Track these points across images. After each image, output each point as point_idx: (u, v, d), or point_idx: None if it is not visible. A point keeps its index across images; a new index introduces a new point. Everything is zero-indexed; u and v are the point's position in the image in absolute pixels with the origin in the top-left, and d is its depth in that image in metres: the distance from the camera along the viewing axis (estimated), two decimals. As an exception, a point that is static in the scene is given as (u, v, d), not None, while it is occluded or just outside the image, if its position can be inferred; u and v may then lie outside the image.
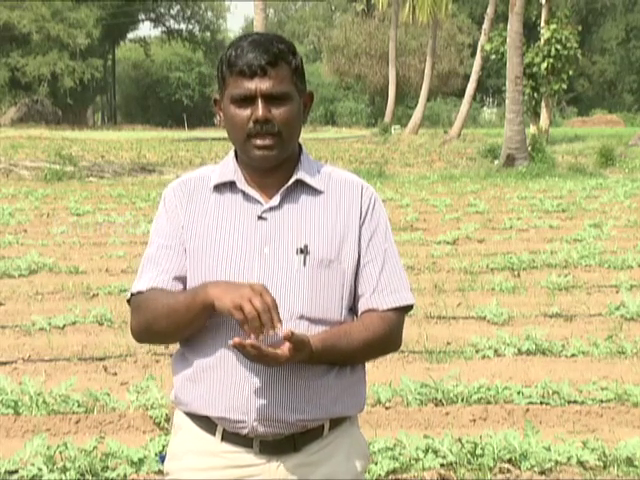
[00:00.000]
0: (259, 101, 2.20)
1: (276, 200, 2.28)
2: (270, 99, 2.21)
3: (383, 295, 2.31)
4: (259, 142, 2.22)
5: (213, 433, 2.29)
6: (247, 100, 2.21)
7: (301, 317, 2.23)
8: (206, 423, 2.30)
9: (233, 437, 2.27)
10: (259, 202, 2.28)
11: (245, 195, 2.29)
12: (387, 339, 2.31)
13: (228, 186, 2.31)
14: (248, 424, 2.24)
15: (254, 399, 2.22)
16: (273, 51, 2.20)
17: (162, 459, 2.42)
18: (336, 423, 2.32)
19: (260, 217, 2.27)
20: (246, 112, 2.22)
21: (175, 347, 2.39)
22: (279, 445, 2.26)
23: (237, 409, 2.23)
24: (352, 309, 2.34)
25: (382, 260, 2.32)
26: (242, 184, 2.29)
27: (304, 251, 2.24)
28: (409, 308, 2.36)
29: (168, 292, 2.24)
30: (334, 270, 2.26)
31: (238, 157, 2.34)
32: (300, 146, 2.35)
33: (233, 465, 2.28)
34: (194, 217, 2.30)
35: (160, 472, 4.36)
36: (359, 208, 2.32)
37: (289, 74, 2.23)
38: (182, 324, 2.21)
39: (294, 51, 2.26)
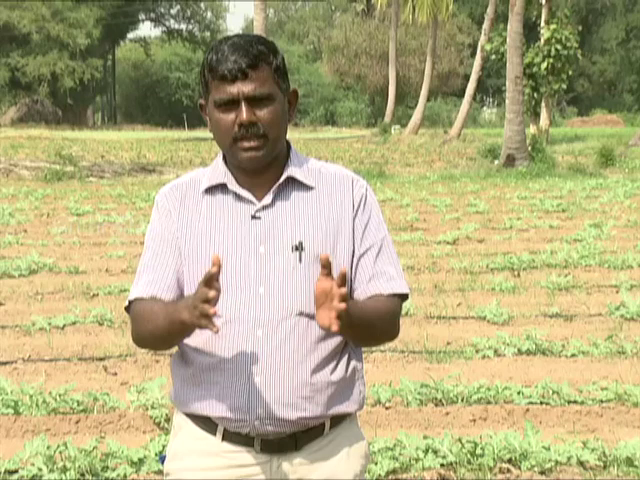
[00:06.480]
0: (242, 104, 2.21)
1: (269, 198, 2.28)
2: (253, 101, 2.21)
3: (380, 282, 2.31)
4: (245, 144, 2.23)
5: (214, 433, 2.30)
6: (231, 104, 2.22)
7: (300, 314, 2.23)
8: (206, 423, 2.30)
9: (234, 436, 2.28)
10: (252, 202, 2.28)
11: (237, 196, 2.29)
12: (391, 318, 2.31)
13: (219, 188, 2.32)
14: (249, 423, 2.24)
15: (255, 398, 2.22)
16: (253, 53, 2.20)
17: (162, 460, 2.42)
18: (336, 421, 2.33)
19: (254, 217, 2.27)
20: (230, 116, 2.22)
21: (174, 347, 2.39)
22: (280, 444, 2.27)
23: (238, 408, 2.23)
24: None
25: (377, 250, 2.33)
26: (233, 185, 2.30)
27: (299, 248, 2.24)
28: (405, 298, 2.36)
29: (153, 312, 2.23)
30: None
31: (227, 160, 2.34)
32: (288, 143, 2.36)
33: (234, 465, 2.28)
34: (187, 221, 2.31)
35: (160, 472, 4.36)
36: (351, 201, 2.32)
37: (270, 75, 2.23)
38: (170, 342, 2.27)
39: (275, 51, 2.26)
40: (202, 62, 2.27)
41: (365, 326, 2.22)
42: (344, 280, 2.03)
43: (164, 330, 2.19)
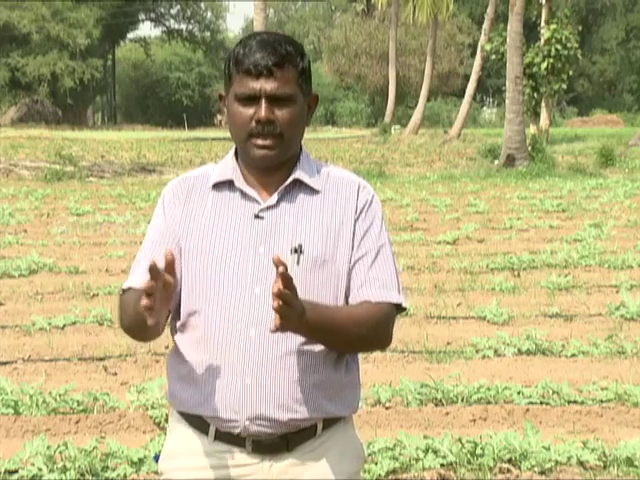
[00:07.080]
0: (263, 101, 2.20)
1: (274, 199, 2.27)
2: (274, 100, 2.21)
3: (371, 289, 2.27)
4: (260, 142, 2.22)
5: (206, 432, 2.29)
6: (251, 99, 2.21)
7: None
8: (199, 422, 2.30)
9: (226, 436, 2.27)
10: (257, 201, 2.27)
11: (243, 194, 2.29)
12: (377, 325, 2.25)
13: (227, 185, 2.31)
14: (240, 423, 2.23)
15: (246, 398, 2.22)
16: (281, 52, 2.20)
17: (157, 459, 2.42)
18: (330, 423, 2.31)
19: (257, 216, 2.26)
20: (249, 111, 2.22)
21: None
22: (272, 445, 2.26)
23: (229, 408, 2.23)
24: None
25: (373, 257, 2.29)
26: (240, 183, 2.29)
27: (298, 251, 2.22)
28: (400, 309, 2.32)
29: (128, 302, 2.22)
30: (328, 270, 2.24)
31: (238, 155, 2.33)
32: (301, 146, 2.35)
33: (225, 465, 2.27)
34: (191, 214, 2.30)
35: (160, 472, 4.37)
36: (355, 205, 2.30)
37: (295, 76, 2.23)
38: (141, 333, 2.21)
39: (302, 53, 2.26)
40: (228, 54, 2.27)
41: (331, 331, 2.18)
42: (283, 278, 1.98)
43: (132, 320, 2.18)
